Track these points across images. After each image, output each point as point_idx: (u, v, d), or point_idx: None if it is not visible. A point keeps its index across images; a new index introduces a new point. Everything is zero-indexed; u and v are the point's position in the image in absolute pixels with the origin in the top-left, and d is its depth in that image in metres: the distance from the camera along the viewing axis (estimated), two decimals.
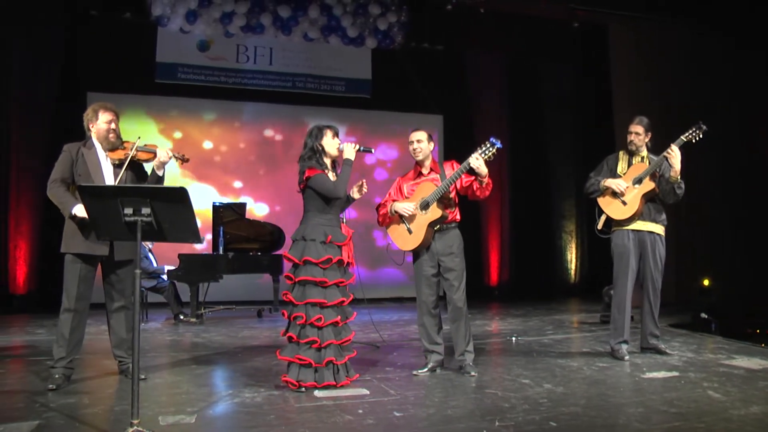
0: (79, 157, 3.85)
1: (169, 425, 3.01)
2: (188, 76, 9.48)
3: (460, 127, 10.18)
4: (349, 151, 3.90)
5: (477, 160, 3.94)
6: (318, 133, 3.86)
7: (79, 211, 3.68)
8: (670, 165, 4.43)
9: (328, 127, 3.90)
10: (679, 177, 4.44)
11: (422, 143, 4.23)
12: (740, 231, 9.08)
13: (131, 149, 3.90)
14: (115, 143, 3.91)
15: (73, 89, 8.81)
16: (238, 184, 9.80)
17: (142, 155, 3.96)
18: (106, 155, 3.93)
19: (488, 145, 3.98)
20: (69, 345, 3.78)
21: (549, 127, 11.16)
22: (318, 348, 3.62)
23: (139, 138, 3.98)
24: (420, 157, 4.25)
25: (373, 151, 4.17)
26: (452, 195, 4.15)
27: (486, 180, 4.06)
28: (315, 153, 3.82)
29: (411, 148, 4.25)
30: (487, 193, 4.15)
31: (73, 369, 3.86)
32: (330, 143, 3.86)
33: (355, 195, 4.04)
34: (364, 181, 4.06)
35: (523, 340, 5.62)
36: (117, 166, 3.91)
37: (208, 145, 9.72)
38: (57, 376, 3.74)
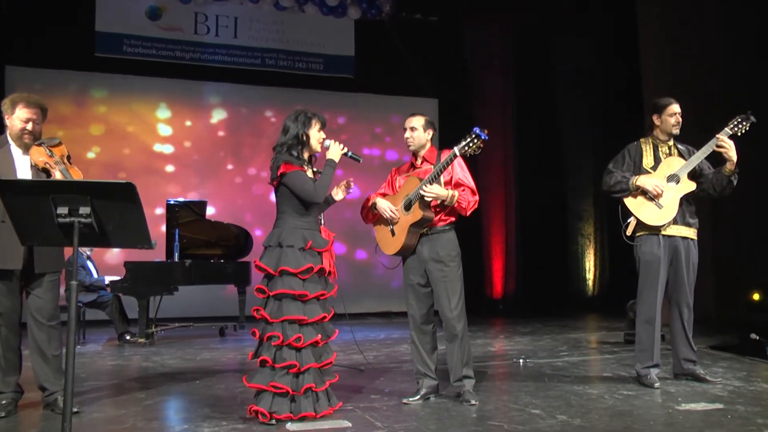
0: None
1: None
2: (135, 50, 9.44)
3: (457, 114, 10.20)
4: (335, 151, 3.89)
5: (430, 187, 3.90)
6: (306, 120, 3.84)
7: None
8: (726, 158, 4.41)
9: (316, 116, 3.89)
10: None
11: (416, 131, 4.21)
12: None
13: (59, 161, 3.90)
14: (28, 145, 3.93)
15: None
16: (195, 179, 9.74)
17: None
18: (22, 153, 3.93)
19: (472, 137, 3.93)
20: (6, 367, 3.86)
21: (563, 113, 11.23)
22: (296, 373, 3.58)
23: (62, 144, 4.04)
24: (413, 147, 4.24)
25: (360, 160, 4.12)
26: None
27: (454, 197, 3.98)
28: (299, 143, 3.80)
29: (404, 136, 4.23)
30: (468, 211, 4.07)
31: (21, 393, 3.96)
32: (315, 135, 3.86)
33: (338, 196, 4.02)
34: (351, 180, 4.04)
35: (533, 363, 5.63)
36: (41, 171, 3.90)
37: (159, 132, 9.65)
38: (4, 402, 3.85)
